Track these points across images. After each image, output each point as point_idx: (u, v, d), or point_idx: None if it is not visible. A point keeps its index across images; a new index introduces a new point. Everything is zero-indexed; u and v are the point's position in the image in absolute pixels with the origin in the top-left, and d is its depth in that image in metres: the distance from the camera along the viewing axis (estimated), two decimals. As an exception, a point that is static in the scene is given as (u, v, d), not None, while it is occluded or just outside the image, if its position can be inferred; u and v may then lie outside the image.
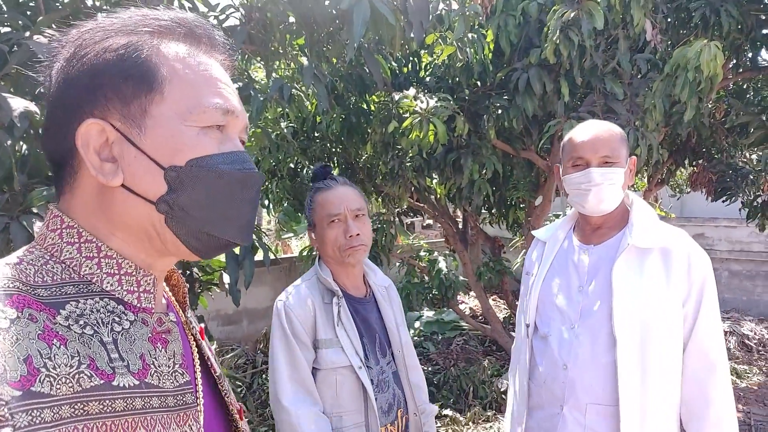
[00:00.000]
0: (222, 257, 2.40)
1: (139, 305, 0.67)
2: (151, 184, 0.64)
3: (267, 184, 4.52)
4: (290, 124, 4.10)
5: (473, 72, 3.15)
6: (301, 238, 8.40)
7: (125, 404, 0.59)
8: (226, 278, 2.30)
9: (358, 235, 1.62)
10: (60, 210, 0.67)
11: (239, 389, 4.19)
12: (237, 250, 2.34)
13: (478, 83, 3.40)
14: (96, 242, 0.65)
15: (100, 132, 0.63)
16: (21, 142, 1.61)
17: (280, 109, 3.46)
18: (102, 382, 0.57)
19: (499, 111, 3.22)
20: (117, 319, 0.63)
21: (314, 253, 4.37)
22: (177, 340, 0.70)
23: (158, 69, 0.64)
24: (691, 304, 1.52)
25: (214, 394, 0.78)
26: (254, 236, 2.41)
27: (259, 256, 3.11)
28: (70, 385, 0.55)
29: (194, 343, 0.78)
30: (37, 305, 0.57)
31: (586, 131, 1.60)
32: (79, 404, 0.55)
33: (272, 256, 2.50)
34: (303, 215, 5.10)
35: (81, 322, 0.59)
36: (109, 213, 0.65)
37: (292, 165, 4.34)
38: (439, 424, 4.22)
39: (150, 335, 0.67)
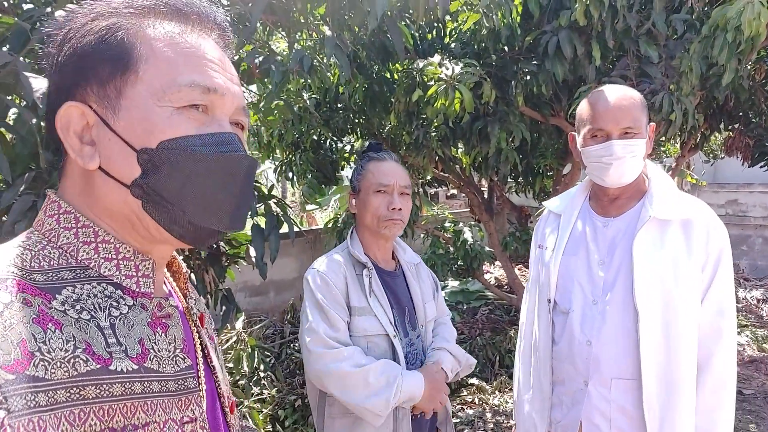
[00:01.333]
0: (248, 230, 2.42)
1: (137, 290, 0.66)
2: (124, 167, 0.62)
3: (291, 156, 4.50)
4: (313, 96, 4.05)
5: (500, 36, 3.04)
6: (325, 209, 8.42)
7: (123, 389, 0.58)
8: (253, 252, 2.32)
9: (400, 209, 1.67)
10: (58, 195, 0.66)
11: (268, 359, 4.26)
12: (262, 224, 2.35)
13: (506, 48, 3.28)
14: (93, 227, 0.64)
15: (80, 115, 0.63)
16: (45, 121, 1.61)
17: (302, 80, 3.41)
18: (98, 366, 0.57)
19: (528, 76, 3.11)
20: (115, 304, 0.62)
21: (339, 225, 4.37)
22: (177, 324, 0.69)
23: (134, 49, 0.63)
24: (705, 274, 1.49)
25: (210, 382, 0.77)
26: (279, 209, 2.40)
27: (285, 228, 3.12)
28: (65, 369, 0.54)
29: (195, 329, 0.77)
30: (32, 290, 0.56)
31: (606, 99, 1.52)
32: (74, 389, 0.54)
33: (297, 229, 2.50)
34: (327, 187, 5.08)
35: (77, 307, 0.59)
36: (93, 197, 0.65)
37: (315, 137, 4.30)
38: (465, 393, 4.24)
39: (149, 320, 0.66)
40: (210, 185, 0.63)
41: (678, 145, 5.46)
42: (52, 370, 0.53)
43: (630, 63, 2.84)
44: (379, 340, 1.63)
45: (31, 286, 0.56)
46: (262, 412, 3.68)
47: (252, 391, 3.82)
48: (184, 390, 0.66)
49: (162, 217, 0.63)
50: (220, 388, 0.78)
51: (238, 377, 3.91)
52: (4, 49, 1.55)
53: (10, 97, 1.66)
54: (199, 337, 0.76)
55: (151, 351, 0.63)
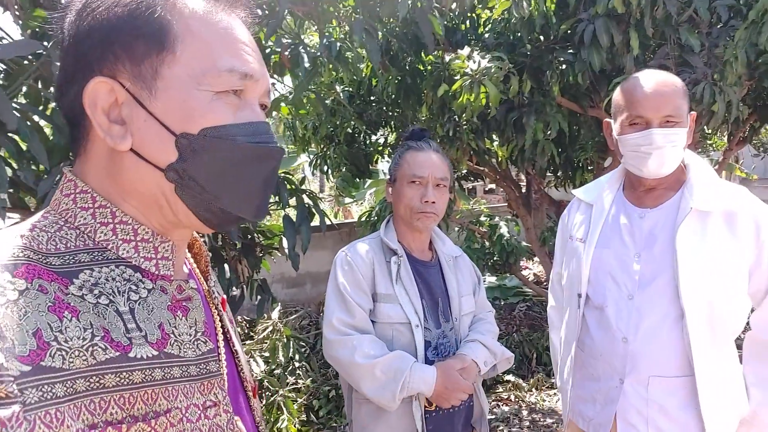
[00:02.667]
0: (279, 221, 2.45)
1: (157, 272, 0.64)
2: (160, 150, 0.61)
3: (325, 150, 4.53)
4: (346, 89, 4.06)
5: (535, 25, 2.97)
6: (361, 203, 8.45)
7: (143, 376, 0.57)
8: (285, 243, 2.34)
9: (433, 203, 1.64)
10: (74, 174, 0.64)
11: (303, 349, 4.31)
12: (293, 216, 2.38)
13: (541, 38, 3.21)
14: (111, 207, 0.63)
15: (109, 91, 0.60)
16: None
17: (335, 72, 3.42)
18: (118, 354, 0.56)
19: (563, 66, 3.03)
20: (134, 287, 0.61)
21: (373, 217, 4.38)
22: (198, 307, 0.68)
23: (171, 26, 0.60)
24: (764, 268, 1.40)
25: (231, 366, 0.76)
26: (310, 202, 2.43)
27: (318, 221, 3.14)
28: (84, 358, 0.53)
29: (216, 312, 0.76)
30: (48, 275, 0.55)
31: (647, 85, 1.45)
32: (94, 377, 0.53)
33: (328, 222, 2.51)
34: (362, 181, 5.10)
35: (96, 292, 0.57)
36: (120, 178, 0.63)
37: (349, 130, 4.32)
38: (501, 390, 4.19)
39: (169, 303, 0.64)
40: (243, 174, 0.64)
41: (725, 138, 5.23)
42: (71, 360, 0.52)
43: (670, 52, 2.73)
44: (404, 329, 1.61)
45: (47, 270, 0.55)
46: (296, 401, 3.73)
47: (287, 381, 3.88)
48: (206, 374, 0.65)
49: (194, 202, 0.63)
50: (243, 372, 0.77)
51: (273, 367, 3.97)
52: (45, 44, 1.61)
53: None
54: (221, 321, 0.75)
55: (172, 335, 0.62)
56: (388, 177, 1.79)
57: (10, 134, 1.57)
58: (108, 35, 0.59)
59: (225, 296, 0.81)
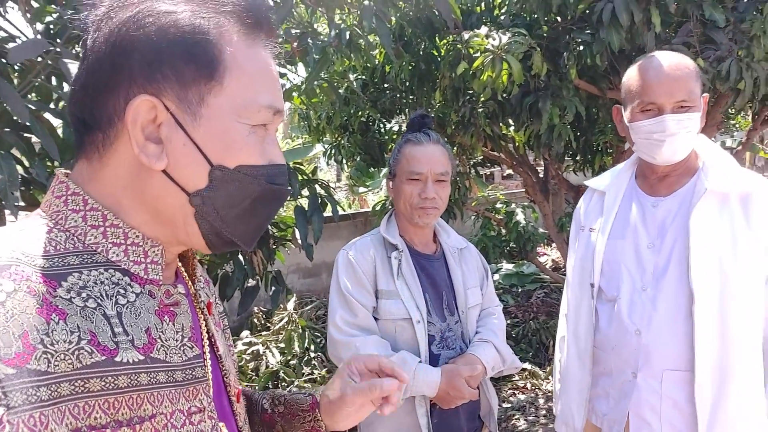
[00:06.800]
0: (292, 213, 2.42)
1: (146, 277, 0.64)
2: (193, 176, 0.62)
3: (339, 139, 4.49)
4: (359, 77, 4.01)
5: (551, 5, 2.88)
6: (377, 192, 8.41)
7: (129, 380, 0.57)
8: (298, 234, 2.32)
9: (433, 198, 1.59)
10: (73, 175, 0.64)
11: (318, 339, 4.31)
12: (306, 206, 2.35)
13: (558, 18, 3.12)
14: (102, 210, 0.62)
15: (150, 109, 0.59)
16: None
17: (347, 60, 3.37)
18: (104, 358, 0.55)
19: (581, 47, 2.94)
20: (122, 291, 0.60)
21: (387, 207, 4.34)
22: (186, 312, 0.68)
23: (222, 57, 0.61)
24: None
25: (216, 371, 0.75)
26: (323, 191, 2.41)
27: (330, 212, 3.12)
28: (70, 361, 0.52)
29: (202, 316, 0.75)
30: (37, 277, 0.55)
31: (658, 69, 1.39)
32: (79, 381, 0.53)
33: (341, 211, 2.48)
34: (375, 170, 5.05)
35: (83, 295, 0.57)
36: (140, 193, 0.63)
37: (363, 119, 4.27)
38: (517, 378, 4.15)
39: (157, 308, 0.64)
40: (257, 210, 0.67)
41: (749, 118, 5.08)
42: (56, 363, 0.51)
43: (693, 29, 2.63)
44: (406, 324, 1.58)
45: (36, 272, 0.55)
46: (312, 392, 3.73)
47: (302, 372, 3.88)
48: (192, 380, 0.65)
49: (208, 228, 0.65)
50: (227, 377, 0.77)
51: (289, 357, 3.97)
52: (58, 40, 1.59)
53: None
54: (206, 325, 0.75)
55: (158, 341, 0.62)
56: (387, 171, 1.75)
57: (21, 132, 1.56)
58: (159, 55, 0.59)
59: (212, 300, 0.80)
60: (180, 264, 0.77)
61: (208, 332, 0.75)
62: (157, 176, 0.62)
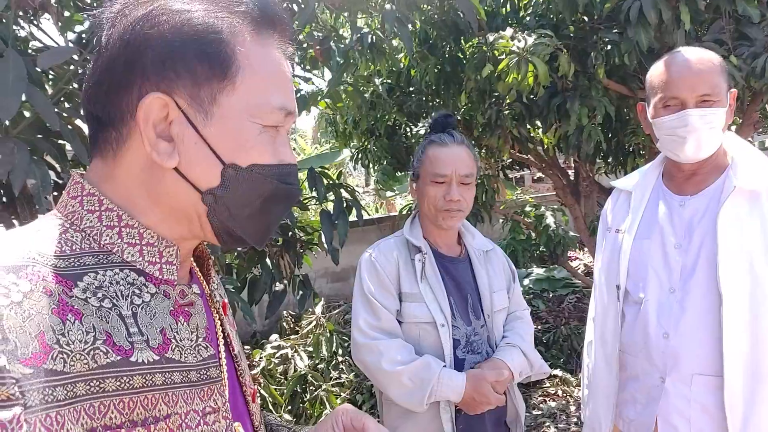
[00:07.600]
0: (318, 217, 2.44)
1: (161, 277, 0.64)
2: (205, 174, 0.63)
3: (366, 144, 4.50)
4: (385, 81, 4.02)
5: (578, 5, 2.83)
6: (405, 196, 8.40)
7: (144, 380, 0.57)
8: (324, 237, 2.33)
9: (458, 200, 1.57)
10: (88, 174, 0.64)
11: (346, 344, 4.32)
12: (331, 210, 2.36)
13: (584, 18, 3.07)
14: (117, 210, 0.62)
15: (162, 107, 0.60)
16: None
17: (372, 65, 3.38)
18: (119, 358, 0.56)
19: (609, 47, 2.89)
20: (137, 291, 0.61)
21: (413, 210, 4.33)
22: (200, 313, 0.68)
23: (235, 57, 0.61)
24: None
25: (231, 371, 0.75)
26: (348, 195, 2.42)
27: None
28: (85, 361, 0.53)
29: (217, 316, 0.75)
30: (53, 277, 0.55)
31: (680, 63, 1.36)
32: (94, 381, 0.53)
33: (366, 215, 2.48)
34: (402, 174, 5.05)
35: (99, 295, 0.57)
36: (153, 191, 0.63)
37: (389, 123, 4.28)
38: (548, 384, 4.07)
39: (172, 308, 0.64)
40: (268, 209, 0.67)
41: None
42: (71, 363, 0.52)
43: (725, 25, 2.55)
44: (430, 328, 1.56)
45: (52, 273, 0.55)
46: (339, 396, 3.74)
47: (330, 376, 3.89)
48: (207, 380, 0.65)
49: (220, 225, 0.65)
50: (243, 377, 0.77)
51: (317, 361, 3.99)
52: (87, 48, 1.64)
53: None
54: (221, 325, 0.75)
55: (173, 341, 0.62)
56: (410, 173, 1.73)
57: (53, 138, 1.60)
58: (172, 53, 0.59)
59: (227, 300, 0.80)
60: (195, 264, 0.78)
61: (223, 332, 0.75)
62: (170, 174, 0.62)
